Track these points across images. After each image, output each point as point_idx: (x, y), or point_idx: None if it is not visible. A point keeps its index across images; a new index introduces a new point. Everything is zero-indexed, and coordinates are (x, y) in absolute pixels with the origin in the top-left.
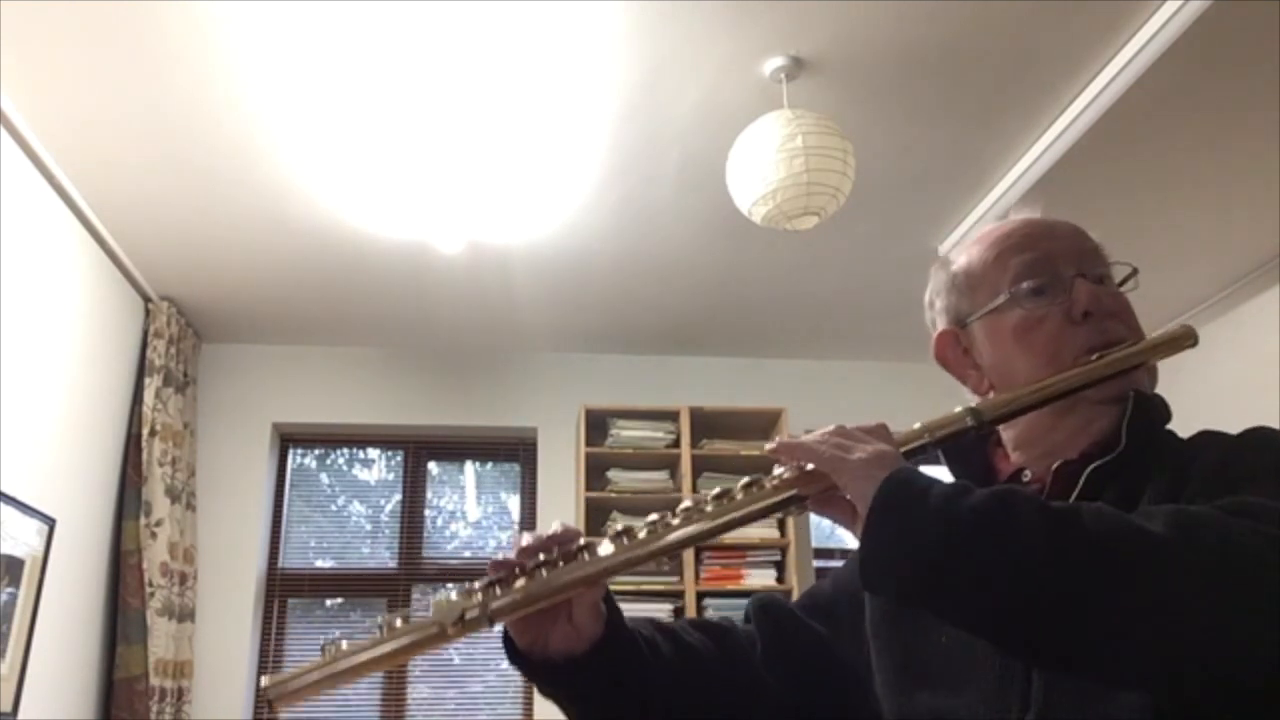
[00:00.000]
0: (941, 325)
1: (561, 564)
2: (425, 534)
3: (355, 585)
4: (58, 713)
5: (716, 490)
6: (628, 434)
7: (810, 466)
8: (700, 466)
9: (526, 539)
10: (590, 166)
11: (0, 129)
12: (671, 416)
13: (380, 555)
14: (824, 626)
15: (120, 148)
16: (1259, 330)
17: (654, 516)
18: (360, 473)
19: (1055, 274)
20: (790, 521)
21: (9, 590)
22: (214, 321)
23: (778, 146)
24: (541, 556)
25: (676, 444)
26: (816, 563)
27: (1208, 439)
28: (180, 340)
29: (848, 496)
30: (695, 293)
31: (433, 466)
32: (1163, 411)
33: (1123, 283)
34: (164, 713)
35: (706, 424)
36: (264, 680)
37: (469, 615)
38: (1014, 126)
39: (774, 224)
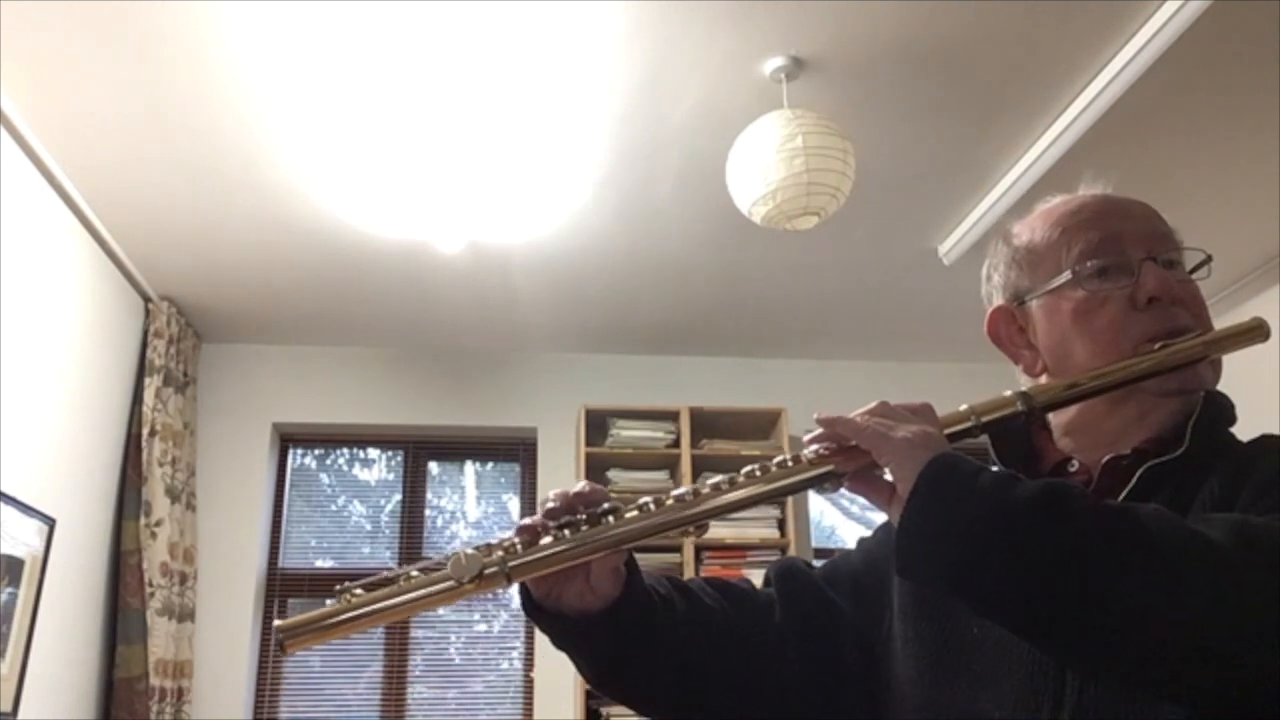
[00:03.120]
0: (998, 301)
1: (586, 527)
2: (425, 534)
3: None
4: (58, 713)
5: (751, 467)
6: (628, 434)
7: (851, 442)
8: (700, 466)
9: (553, 499)
10: (590, 166)
11: (0, 129)
12: (671, 416)
13: (380, 555)
14: (845, 599)
15: (120, 148)
16: None
17: (684, 489)
18: (360, 473)
19: (1122, 255)
20: (790, 521)
21: (9, 590)
22: (214, 321)
23: (778, 146)
24: (566, 519)
25: (676, 444)
26: (816, 563)
27: (1268, 445)
28: (180, 340)
29: (888, 476)
30: (695, 293)
31: (433, 466)
32: (1229, 413)
33: (1194, 270)
34: (164, 713)
35: (706, 424)
36: (276, 622)
37: (487, 571)
38: (1014, 126)
39: (774, 224)
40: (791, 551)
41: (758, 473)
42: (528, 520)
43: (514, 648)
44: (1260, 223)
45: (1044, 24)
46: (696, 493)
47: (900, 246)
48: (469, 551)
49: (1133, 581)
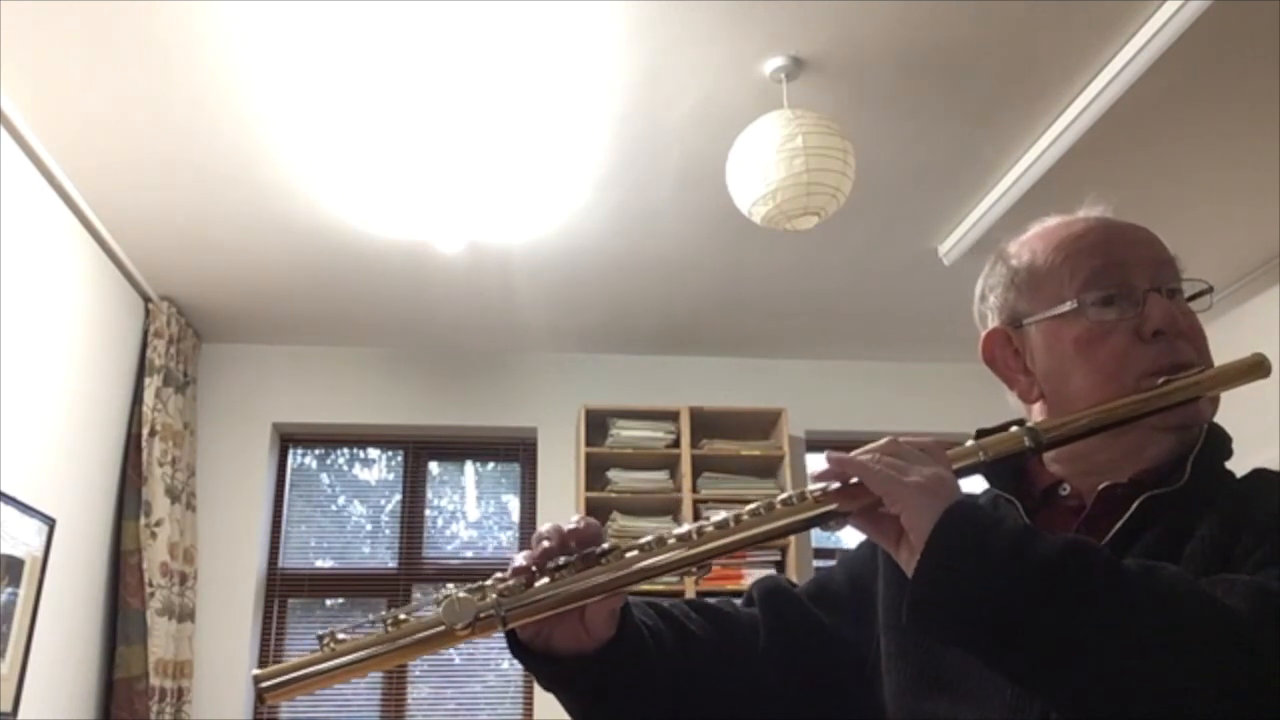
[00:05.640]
0: (993, 322)
1: (583, 568)
2: (425, 534)
3: (355, 585)
4: (58, 713)
5: (755, 504)
6: (628, 434)
7: (855, 480)
8: (700, 466)
9: (547, 538)
10: (590, 166)
11: (0, 129)
12: (671, 416)
13: (380, 555)
14: (829, 617)
15: (120, 148)
16: (1259, 330)
17: (686, 527)
18: (360, 473)
19: (1127, 285)
20: None
21: (9, 590)
22: (214, 321)
23: (778, 146)
24: (562, 559)
25: (676, 444)
26: (816, 562)
27: (1265, 481)
28: (180, 340)
29: (898, 518)
30: (695, 293)
31: (433, 466)
32: (1227, 447)
33: (1192, 298)
34: (164, 713)
35: (706, 424)
36: (255, 671)
37: (482, 616)
38: (1014, 126)
39: (774, 224)
40: (791, 551)
41: (761, 511)
42: (522, 560)
43: None
44: (1260, 223)
45: (1044, 24)
46: (700, 531)
47: (900, 246)
48: (461, 595)
49: (1154, 651)
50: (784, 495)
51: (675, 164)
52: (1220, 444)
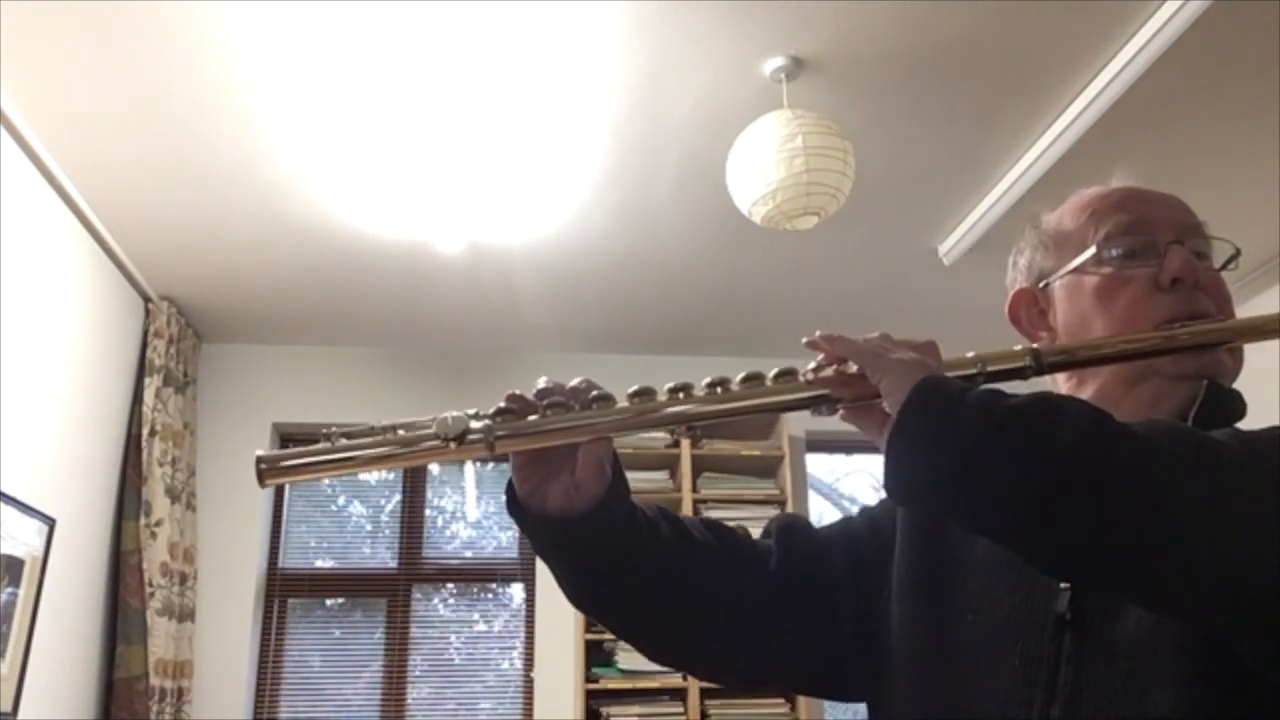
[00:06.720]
0: (1021, 284)
1: (577, 409)
2: (425, 534)
3: (355, 585)
4: (58, 713)
5: (744, 374)
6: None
7: (853, 369)
8: (700, 466)
9: (543, 381)
10: (590, 166)
11: (0, 129)
12: None
13: (380, 555)
14: (844, 564)
15: (120, 148)
16: None
17: (674, 383)
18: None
19: (1150, 238)
20: None
21: (9, 590)
22: (214, 321)
23: (778, 146)
24: (556, 398)
25: (676, 444)
26: None
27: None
28: (180, 340)
29: (881, 396)
30: (695, 293)
31: (433, 466)
32: (1237, 405)
33: (1224, 266)
34: (164, 713)
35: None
36: (258, 452)
37: (471, 437)
38: (1014, 126)
39: (774, 224)
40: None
41: (754, 383)
42: (516, 392)
43: (514, 648)
44: (1261, 223)
45: (1044, 24)
46: (689, 393)
47: (900, 246)
48: (455, 414)
49: (1135, 476)
50: (776, 370)
51: (675, 164)
52: (1227, 401)
